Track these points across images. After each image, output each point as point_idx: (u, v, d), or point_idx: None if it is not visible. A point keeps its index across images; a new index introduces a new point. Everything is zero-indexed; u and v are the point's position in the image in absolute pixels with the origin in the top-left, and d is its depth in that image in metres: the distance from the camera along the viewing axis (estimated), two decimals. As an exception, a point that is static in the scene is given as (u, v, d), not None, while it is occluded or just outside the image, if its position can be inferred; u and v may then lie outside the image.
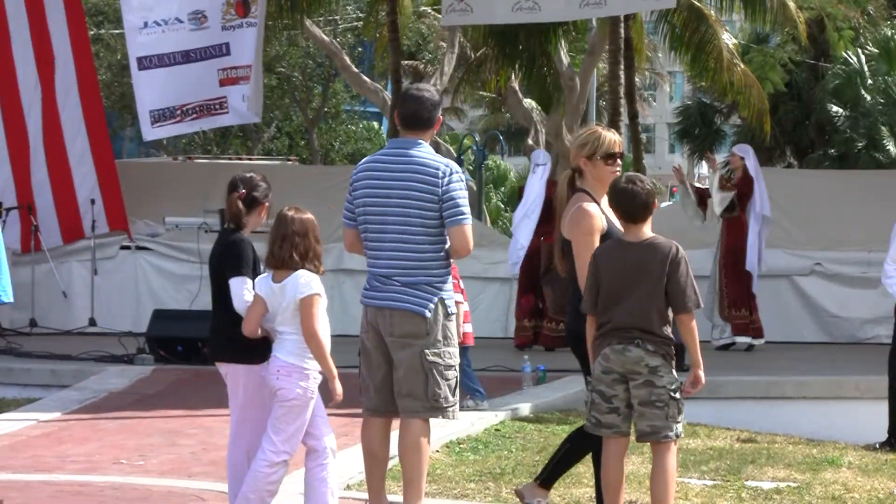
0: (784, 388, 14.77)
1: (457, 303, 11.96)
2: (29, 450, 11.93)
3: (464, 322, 13.06)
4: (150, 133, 19.00)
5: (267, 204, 9.01)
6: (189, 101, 18.62)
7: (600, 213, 8.75)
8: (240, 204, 8.89)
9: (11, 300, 9.18)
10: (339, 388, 8.44)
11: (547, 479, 9.22)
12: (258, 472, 8.54)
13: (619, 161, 8.96)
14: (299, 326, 8.51)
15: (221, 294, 8.83)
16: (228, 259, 8.81)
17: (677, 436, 8.46)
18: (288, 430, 8.61)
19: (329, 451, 8.74)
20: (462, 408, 11.51)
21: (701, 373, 8.46)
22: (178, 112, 18.68)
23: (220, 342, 8.94)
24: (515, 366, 15.01)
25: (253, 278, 8.70)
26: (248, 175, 9.03)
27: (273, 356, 8.58)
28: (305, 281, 8.47)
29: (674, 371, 8.41)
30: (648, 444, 8.59)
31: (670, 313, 8.40)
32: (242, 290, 8.66)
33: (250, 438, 8.83)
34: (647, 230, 8.51)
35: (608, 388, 8.45)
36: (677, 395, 8.40)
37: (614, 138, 8.93)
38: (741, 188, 18.75)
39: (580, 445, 9.00)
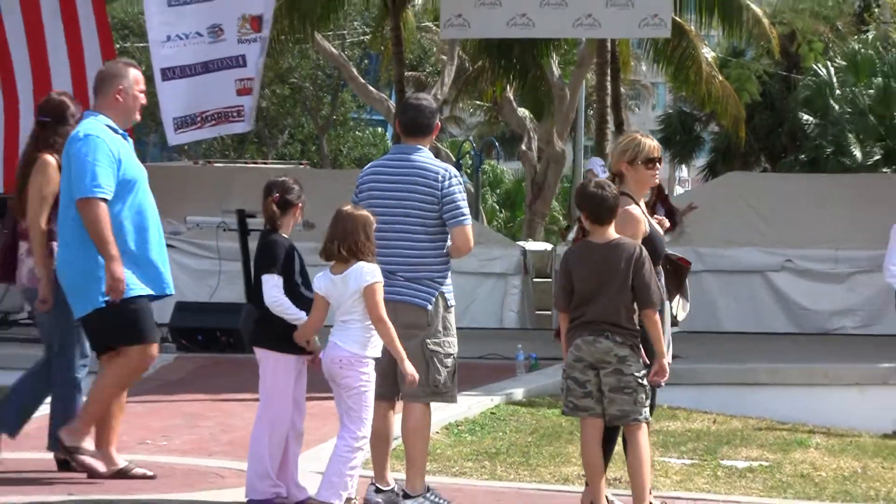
0: (758, 375, 14.79)
1: None
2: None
3: None
4: (174, 139, 18.98)
5: (300, 205, 9.00)
6: (208, 108, 18.59)
7: (643, 215, 8.77)
8: (274, 207, 8.88)
9: (173, 292, 9.18)
10: (409, 368, 8.43)
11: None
12: (341, 456, 8.53)
13: (658, 165, 8.91)
14: (363, 314, 8.50)
15: (257, 288, 8.89)
16: (261, 257, 8.87)
17: (646, 419, 8.49)
18: (361, 415, 8.60)
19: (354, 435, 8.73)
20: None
21: (665, 362, 8.48)
22: (199, 119, 18.66)
23: (257, 330, 8.99)
24: (510, 354, 15.03)
25: (283, 275, 8.74)
26: (281, 179, 9.03)
27: (333, 344, 8.55)
28: (368, 270, 8.44)
29: (640, 360, 8.44)
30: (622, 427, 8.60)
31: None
32: (271, 286, 8.69)
33: (272, 422, 8.85)
34: (611, 231, 8.55)
35: (581, 374, 8.48)
36: (644, 382, 8.43)
37: (654, 144, 8.91)
38: (662, 202, 18.27)
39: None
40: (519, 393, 13.69)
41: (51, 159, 9.46)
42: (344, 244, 8.44)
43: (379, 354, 8.58)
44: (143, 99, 9.50)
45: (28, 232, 9.60)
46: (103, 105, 9.34)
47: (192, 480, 9.73)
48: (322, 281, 8.58)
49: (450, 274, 9.06)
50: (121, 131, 9.27)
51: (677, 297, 9.06)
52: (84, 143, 9.02)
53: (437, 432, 11.13)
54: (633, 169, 8.81)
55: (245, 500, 8.82)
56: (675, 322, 9.02)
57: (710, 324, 18.16)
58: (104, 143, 9.04)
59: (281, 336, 8.80)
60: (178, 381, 14.65)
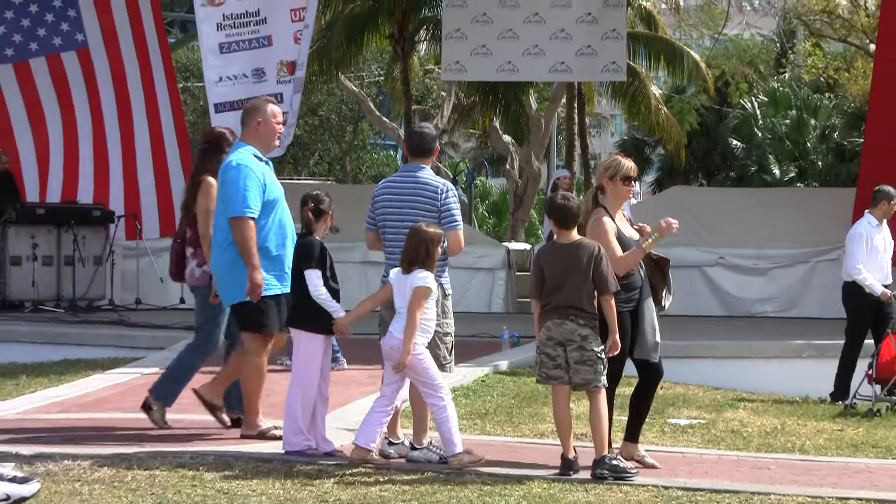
0: (696, 350, 14.74)
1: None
2: (135, 395, 11.89)
3: None
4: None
5: (330, 213, 9.05)
6: None
7: (612, 223, 8.68)
8: (310, 214, 8.98)
9: (288, 291, 9.18)
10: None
11: (630, 433, 8.97)
12: (439, 419, 8.57)
13: (633, 183, 8.86)
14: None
15: (296, 279, 8.91)
16: (301, 256, 8.87)
17: (604, 385, 8.48)
18: (430, 382, 8.59)
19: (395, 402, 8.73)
20: None
21: (617, 338, 8.48)
22: None
23: (293, 313, 8.99)
24: (496, 333, 15.00)
25: (321, 270, 8.77)
26: (315, 193, 9.12)
27: (391, 334, 8.57)
28: (422, 276, 8.48)
29: (598, 338, 8.44)
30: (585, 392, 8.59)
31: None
32: (314, 280, 8.73)
33: (304, 388, 8.87)
34: (575, 234, 8.55)
35: (552, 350, 8.48)
36: (602, 356, 8.44)
37: (631, 165, 8.84)
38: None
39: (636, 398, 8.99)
40: (504, 365, 13.67)
41: (213, 181, 9.48)
42: (414, 253, 8.51)
43: (428, 339, 8.61)
44: (279, 129, 9.49)
45: (193, 240, 9.76)
46: (247, 135, 9.35)
47: (239, 435, 9.70)
48: (395, 276, 8.65)
49: (447, 269, 9.06)
50: (264, 158, 9.29)
51: (664, 288, 8.99)
52: (236, 171, 9.07)
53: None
54: (612, 184, 8.77)
55: (283, 451, 8.84)
56: (661, 308, 8.98)
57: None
58: (252, 171, 9.08)
59: (312, 318, 8.85)
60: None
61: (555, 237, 8.71)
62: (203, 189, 9.59)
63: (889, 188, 13.10)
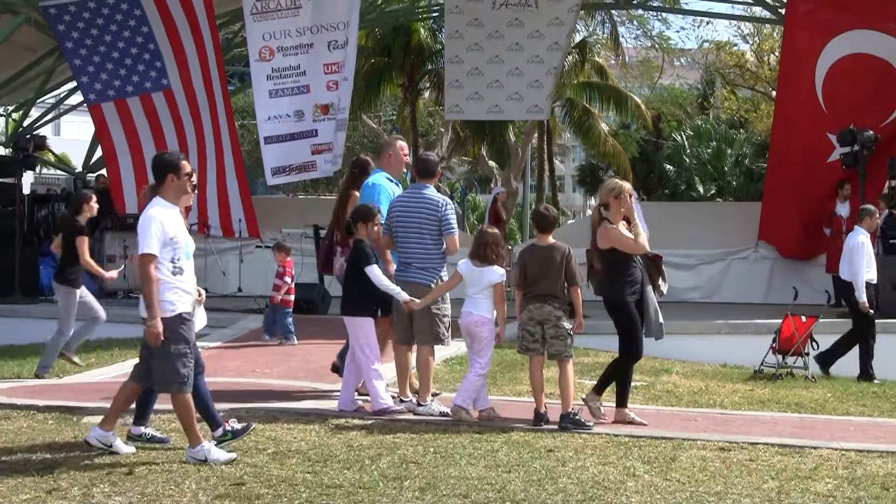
0: (639, 327, 14.65)
1: (284, 275, 13.20)
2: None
3: (287, 293, 13.56)
4: (272, 181, 19.02)
5: (376, 220, 8.98)
6: (294, 162, 18.64)
7: (617, 227, 8.50)
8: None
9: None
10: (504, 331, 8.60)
11: (598, 388, 8.80)
12: (472, 380, 8.55)
13: (629, 200, 8.57)
14: (489, 293, 8.58)
15: (348, 277, 8.81)
16: (361, 258, 8.74)
17: (570, 356, 8.48)
18: (486, 354, 8.62)
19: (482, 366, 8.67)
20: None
21: (582, 320, 8.54)
22: (288, 169, 18.70)
23: (352, 303, 8.82)
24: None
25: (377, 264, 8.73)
26: (368, 205, 9.05)
27: (469, 312, 8.62)
28: (500, 273, 8.57)
29: (569, 319, 8.45)
30: (556, 360, 8.54)
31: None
32: (377, 274, 8.64)
33: (359, 363, 8.76)
34: (550, 238, 8.52)
35: (532, 328, 8.48)
36: (571, 332, 8.45)
37: (629, 187, 8.65)
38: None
39: (616, 368, 8.79)
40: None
41: (357, 195, 9.55)
42: (483, 250, 8.54)
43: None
44: (407, 159, 9.62)
45: (341, 240, 9.69)
46: (381, 164, 9.55)
47: (285, 394, 9.67)
48: (465, 266, 8.66)
49: (445, 265, 9.03)
50: (394, 180, 9.45)
51: (660, 278, 8.86)
52: (372, 189, 9.28)
53: (439, 364, 11.08)
54: (616, 200, 8.55)
55: (338, 409, 8.76)
56: (661, 293, 8.88)
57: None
58: (383, 188, 9.24)
59: (362, 307, 8.73)
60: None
61: (535, 240, 8.67)
62: (351, 202, 9.58)
63: (870, 206, 13.10)
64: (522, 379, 10.75)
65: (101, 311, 11.32)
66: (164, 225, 7.02)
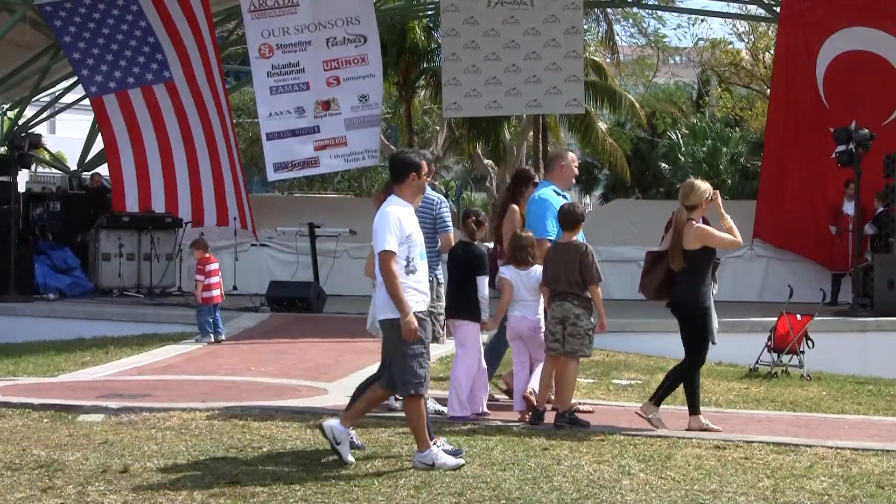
0: (634, 326, 14.62)
1: (213, 272, 13.11)
2: (198, 362, 11.89)
3: (214, 288, 13.34)
4: (273, 176, 19.27)
5: (486, 224, 9.02)
6: (296, 158, 18.81)
7: (706, 226, 8.36)
8: (473, 226, 8.90)
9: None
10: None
11: (657, 398, 8.52)
12: (538, 370, 8.60)
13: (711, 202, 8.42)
14: (537, 295, 8.61)
15: (465, 280, 8.71)
16: (478, 264, 8.74)
17: (585, 355, 8.44)
18: (540, 352, 8.59)
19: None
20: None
21: (605, 321, 8.44)
22: (290, 165, 18.90)
23: (460, 308, 8.74)
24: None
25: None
26: (475, 209, 9.06)
27: (523, 317, 8.66)
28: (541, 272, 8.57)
29: (589, 318, 8.36)
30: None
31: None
32: (485, 283, 8.72)
33: (469, 366, 8.71)
34: (574, 236, 8.45)
35: (553, 326, 8.42)
36: (591, 333, 8.37)
37: (710, 187, 8.45)
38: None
39: (678, 375, 8.54)
40: (485, 337, 13.53)
41: (516, 208, 9.33)
42: (515, 254, 8.60)
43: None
44: (576, 171, 9.29)
45: (501, 253, 9.43)
46: (550, 175, 9.21)
47: (281, 393, 9.66)
48: (510, 272, 8.66)
49: (441, 263, 9.00)
50: (562, 193, 9.11)
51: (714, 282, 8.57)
52: (539, 203, 8.97)
53: (433, 363, 11.07)
54: (707, 203, 8.35)
55: (448, 417, 8.64)
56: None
57: (605, 294, 18.01)
58: (552, 203, 8.91)
59: (472, 311, 8.71)
60: (271, 330, 14.60)
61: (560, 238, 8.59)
62: (508, 214, 9.36)
63: None
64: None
65: None
66: (401, 222, 6.85)
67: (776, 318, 12.47)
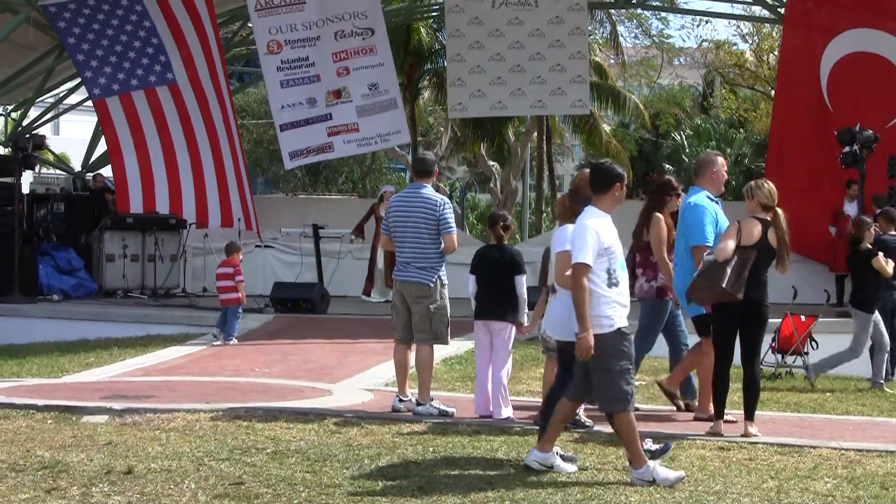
0: (633, 327, 14.53)
1: (233, 275, 13.23)
2: (202, 363, 11.90)
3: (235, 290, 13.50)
4: (290, 164, 19.66)
5: (512, 228, 9.07)
6: (311, 145, 19.07)
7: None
8: (501, 231, 8.92)
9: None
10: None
11: (749, 413, 8.31)
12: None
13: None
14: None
15: (507, 281, 8.73)
16: (519, 265, 8.75)
17: None
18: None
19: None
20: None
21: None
22: (305, 151, 19.21)
23: (498, 308, 8.78)
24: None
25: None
26: (502, 212, 9.10)
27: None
28: None
29: None
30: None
31: None
32: (523, 285, 8.69)
33: (508, 365, 8.84)
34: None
35: None
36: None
37: (774, 190, 8.39)
38: None
39: (749, 386, 8.36)
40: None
41: (660, 216, 9.16)
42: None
43: None
44: (726, 176, 9.09)
45: (642, 262, 9.31)
46: (702, 182, 8.97)
47: (285, 394, 9.67)
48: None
49: (444, 264, 9.02)
50: (714, 198, 8.95)
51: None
52: (694, 210, 8.78)
53: (438, 364, 11.07)
54: (751, 201, 8.27)
55: (477, 416, 8.67)
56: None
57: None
58: (706, 209, 8.76)
59: (511, 312, 8.71)
60: (275, 331, 14.60)
61: None
62: (653, 223, 9.21)
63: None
64: (522, 378, 10.76)
65: None
66: (599, 234, 6.72)
67: (780, 319, 12.46)
